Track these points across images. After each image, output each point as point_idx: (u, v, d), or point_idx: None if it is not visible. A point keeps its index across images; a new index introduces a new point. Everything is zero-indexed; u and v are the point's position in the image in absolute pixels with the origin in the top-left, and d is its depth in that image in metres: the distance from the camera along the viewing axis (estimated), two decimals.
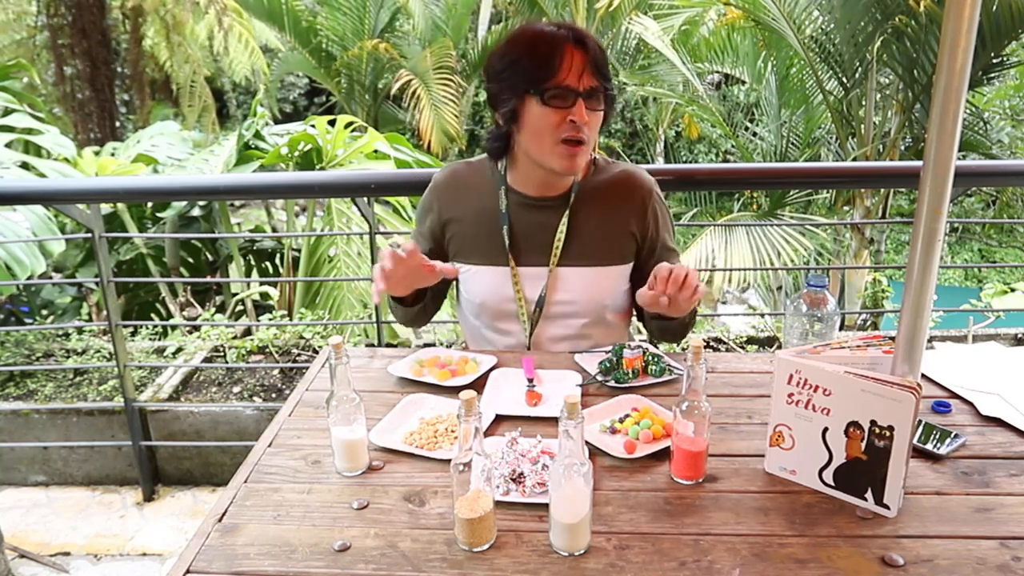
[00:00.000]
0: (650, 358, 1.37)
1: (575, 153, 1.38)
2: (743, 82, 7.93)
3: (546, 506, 0.92)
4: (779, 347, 2.21)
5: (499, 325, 1.54)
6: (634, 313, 1.62)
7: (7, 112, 3.95)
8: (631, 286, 1.55)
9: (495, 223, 1.50)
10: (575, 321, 1.51)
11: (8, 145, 3.73)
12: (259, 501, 1.03)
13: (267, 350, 3.16)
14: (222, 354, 3.18)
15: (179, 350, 3.19)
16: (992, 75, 5.44)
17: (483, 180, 1.54)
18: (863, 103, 5.89)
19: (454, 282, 1.63)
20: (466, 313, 1.62)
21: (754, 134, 8.06)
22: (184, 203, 4.49)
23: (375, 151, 4.16)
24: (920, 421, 1.19)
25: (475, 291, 1.53)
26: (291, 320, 3.81)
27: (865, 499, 0.98)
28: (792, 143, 6.69)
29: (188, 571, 0.90)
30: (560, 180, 1.48)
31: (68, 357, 3.11)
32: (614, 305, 1.52)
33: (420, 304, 1.53)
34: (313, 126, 4.18)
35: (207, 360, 3.11)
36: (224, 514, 1.00)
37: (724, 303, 9.21)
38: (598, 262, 1.49)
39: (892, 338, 1.11)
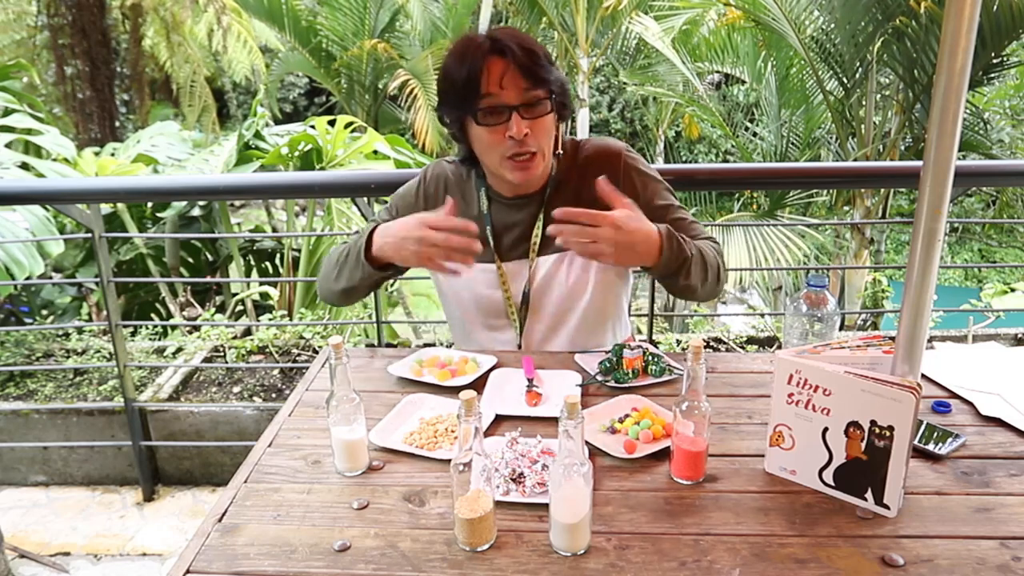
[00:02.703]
0: (650, 358, 1.37)
1: (525, 167, 1.35)
2: (743, 82, 7.94)
3: (546, 506, 0.92)
4: (779, 347, 2.21)
5: (490, 323, 1.53)
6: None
7: (7, 112, 3.95)
8: None
9: (479, 223, 1.47)
10: (561, 308, 1.49)
11: (8, 145, 3.73)
12: (259, 501, 1.03)
13: (267, 350, 3.17)
14: (222, 354, 3.18)
15: (179, 350, 3.19)
16: (992, 75, 5.44)
17: (467, 180, 1.54)
18: (863, 103, 5.89)
19: (435, 285, 1.61)
20: (455, 315, 1.60)
21: (754, 134, 8.07)
22: (184, 203, 4.49)
23: (375, 152, 4.17)
24: (920, 421, 1.19)
25: (463, 288, 1.52)
26: (291, 320, 3.81)
27: (865, 499, 0.98)
28: (792, 143, 6.69)
29: (188, 571, 0.90)
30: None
31: (68, 357, 3.11)
32: (601, 283, 1.48)
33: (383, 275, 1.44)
34: (313, 126, 4.19)
35: (207, 360, 3.11)
36: (224, 514, 1.00)
37: (724, 303, 9.21)
38: None
39: (892, 338, 1.11)
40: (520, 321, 1.51)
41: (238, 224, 9.29)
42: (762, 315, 5.29)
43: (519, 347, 1.52)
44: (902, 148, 5.98)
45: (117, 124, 10.06)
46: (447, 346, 1.69)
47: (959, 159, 1.20)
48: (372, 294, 2.13)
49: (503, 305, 1.50)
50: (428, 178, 1.57)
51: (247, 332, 3.55)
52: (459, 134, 1.41)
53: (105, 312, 2.43)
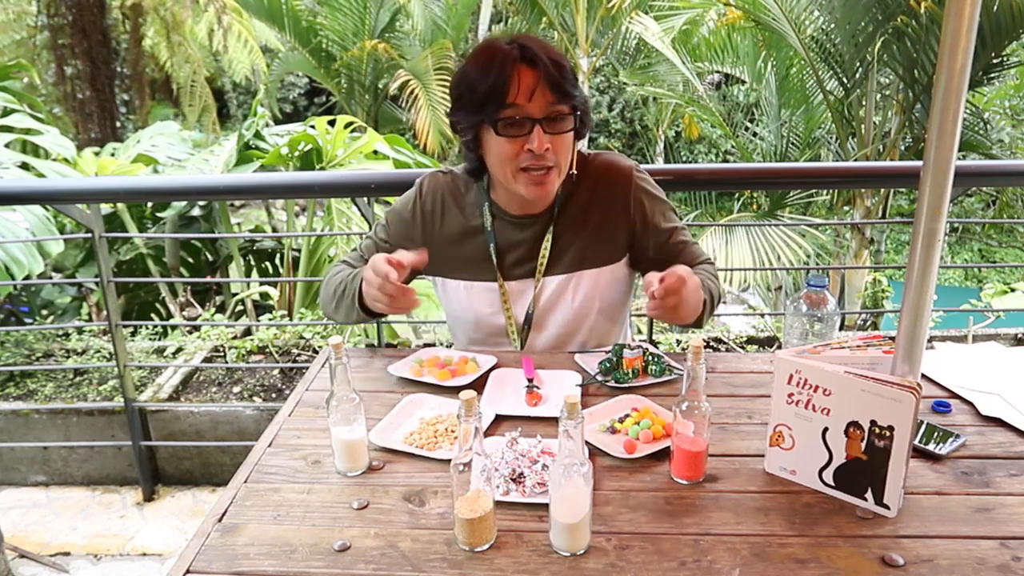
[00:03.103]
0: (650, 358, 1.37)
1: (540, 181, 1.33)
2: (743, 82, 7.93)
3: (546, 506, 0.92)
4: (779, 347, 2.21)
5: (490, 340, 1.52)
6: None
7: (7, 112, 3.95)
8: (635, 274, 1.52)
9: (481, 239, 1.46)
10: (566, 329, 1.48)
11: (8, 145, 3.73)
12: (259, 501, 1.03)
13: (267, 350, 3.16)
14: (222, 354, 3.18)
15: (179, 350, 3.19)
16: (992, 75, 5.44)
17: (467, 194, 1.49)
18: (863, 103, 5.89)
19: (436, 296, 1.60)
20: (455, 331, 1.59)
21: (754, 134, 8.07)
22: (184, 203, 4.49)
23: (375, 152, 4.17)
24: (920, 421, 1.19)
25: (463, 307, 1.50)
26: (291, 320, 3.81)
27: (865, 499, 0.98)
28: (792, 143, 6.69)
29: (188, 571, 0.90)
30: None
31: (68, 357, 3.11)
32: (607, 304, 1.47)
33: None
34: (313, 126, 4.19)
35: (207, 360, 3.11)
36: (224, 514, 1.00)
37: (724, 303, 9.21)
38: (587, 265, 1.45)
39: (892, 338, 1.11)
40: (522, 340, 1.49)
41: (238, 224, 9.29)
42: (762, 315, 5.29)
43: None
44: (902, 148, 5.98)
45: (117, 124, 10.07)
46: (447, 346, 1.69)
47: (959, 159, 1.20)
48: None
49: (504, 325, 1.48)
50: (424, 193, 1.51)
51: (247, 332, 3.55)
52: (472, 142, 1.37)
53: (105, 312, 2.43)
